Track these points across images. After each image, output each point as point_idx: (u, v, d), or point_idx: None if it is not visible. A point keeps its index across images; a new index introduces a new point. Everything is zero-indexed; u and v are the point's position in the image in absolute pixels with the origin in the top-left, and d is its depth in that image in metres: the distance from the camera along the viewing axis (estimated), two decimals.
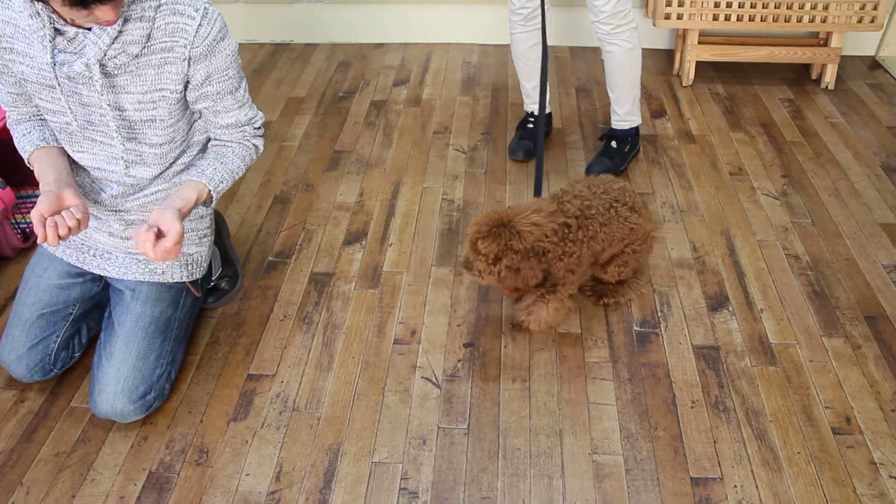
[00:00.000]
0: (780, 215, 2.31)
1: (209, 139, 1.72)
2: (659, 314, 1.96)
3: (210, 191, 1.59)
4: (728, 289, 2.04)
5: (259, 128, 1.70)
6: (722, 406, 1.72)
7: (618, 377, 1.79)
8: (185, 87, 1.55)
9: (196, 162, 1.69)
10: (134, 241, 1.52)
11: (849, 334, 1.90)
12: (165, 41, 1.46)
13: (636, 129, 2.54)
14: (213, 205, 1.66)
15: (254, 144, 1.70)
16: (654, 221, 2.12)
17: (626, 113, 2.48)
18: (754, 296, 2.01)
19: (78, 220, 1.47)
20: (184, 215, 1.50)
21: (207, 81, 1.54)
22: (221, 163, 1.63)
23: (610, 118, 2.53)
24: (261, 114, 1.71)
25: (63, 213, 1.46)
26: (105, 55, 1.42)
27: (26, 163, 1.62)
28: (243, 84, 1.63)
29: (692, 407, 1.72)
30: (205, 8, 1.48)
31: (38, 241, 1.45)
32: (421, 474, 1.59)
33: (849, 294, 2.02)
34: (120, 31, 1.41)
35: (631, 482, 1.56)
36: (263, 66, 3.27)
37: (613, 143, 2.52)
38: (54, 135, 1.62)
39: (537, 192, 2.10)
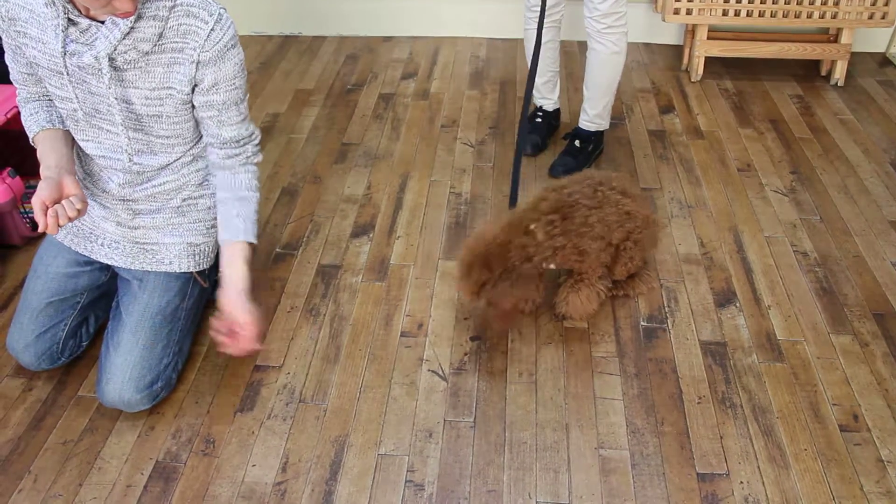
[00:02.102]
0: (788, 212, 2.30)
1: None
2: (666, 310, 1.96)
3: (246, 244, 1.65)
4: (735, 285, 2.03)
5: (258, 144, 1.72)
6: (729, 402, 1.72)
7: (624, 372, 1.79)
8: (193, 91, 1.55)
9: (219, 210, 1.70)
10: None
11: (857, 331, 1.89)
12: (176, 41, 1.46)
13: (602, 132, 2.53)
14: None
15: (255, 164, 1.72)
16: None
17: (595, 115, 2.47)
18: (762, 292, 2.01)
19: (78, 209, 1.48)
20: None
21: (215, 89, 1.54)
22: (245, 207, 1.67)
23: (578, 116, 2.52)
24: (258, 129, 1.72)
25: (64, 202, 1.47)
26: (115, 49, 1.43)
27: (31, 142, 1.62)
28: (246, 98, 1.64)
29: (699, 403, 1.72)
30: (219, 13, 1.48)
31: (39, 228, 1.46)
32: (427, 467, 1.59)
33: (857, 291, 2.01)
34: (132, 28, 1.41)
35: (637, 477, 1.56)
36: (272, 58, 3.27)
37: (577, 142, 2.50)
38: (62, 118, 1.63)
39: (512, 202, 2.06)
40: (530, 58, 2.52)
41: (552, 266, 1.86)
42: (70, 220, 1.47)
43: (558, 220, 1.79)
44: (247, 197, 1.69)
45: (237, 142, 1.65)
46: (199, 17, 1.46)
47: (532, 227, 1.78)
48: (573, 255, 1.81)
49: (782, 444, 1.62)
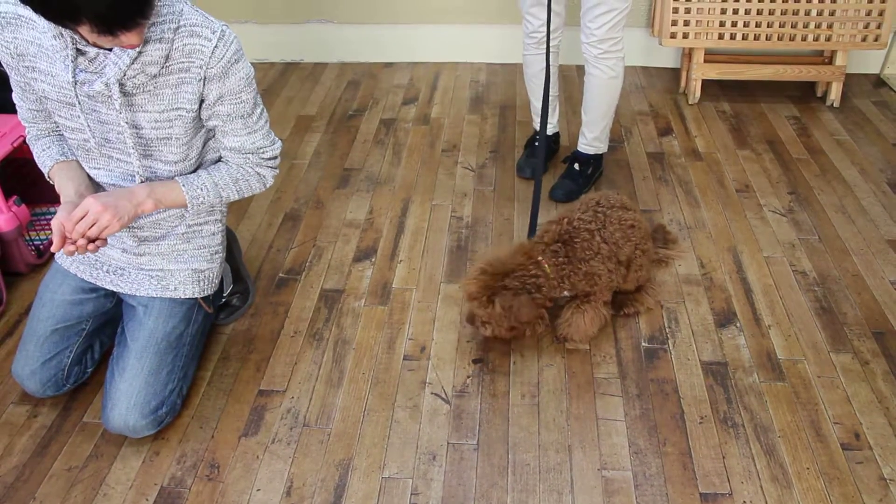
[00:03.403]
0: (786, 232, 2.32)
1: (220, 158, 1.74)
2: (667, 330, 1.97)
3: (181, 186, 1.61)
4: (736, 305, 2.05)
5: (270, 158, 1.70)
6: (730, 422, 1.72)
7: (626, 393, 1.80)
8: (200, 106, 1.57)
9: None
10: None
11: (857, 350, 1.90)
12: (183, 62, 1.49)
13: (601, 155, 2.55)
14: (191, 210, 1.65)
15: (257, 172, 1.70)
16: (672, 238, 2.14)
17: (593, 138, 2.50)
18: (762, 312, 2.02)
19: (97, 246, 1.53)
20: (126, 200, 1.53)
21: (220, 101, 1.57)
22: (208, 172, 1.66)
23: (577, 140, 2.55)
24: (277, 144, 1.70)
25: (90, 245, 1.51)
26: (125, 75, 1.46)
27: (46, 177, 1.65)
28: (258, 111, 1.63)
29: (701, 422, 1.72)
30: (221, 30, 1.51)
31: (53, 248, 1.49)
32: (431, 490, 1.59)
33: (856, 310, 2.02)
34: (140, 52, 1.44)
35: (640, 498, 1.57)
36: (274, 84, 3.31)
37: (576, 166, 2.53)
38: (73, 149, 1.65)
39: (531, 233, 2.09)
40: (530, 83, 2.56)
41: (566, 293, 1.88)
42: (87, 252, 1.52)
43: (561, 248, 1.83)
44: (218, 173, 1.66)
45: (240, 151, 1.66)
46: (203, 36, 1.49)
47: (539, 258, 1.82)
48: (584, 280, 1.84)
49: (784, 463, 1.63)
